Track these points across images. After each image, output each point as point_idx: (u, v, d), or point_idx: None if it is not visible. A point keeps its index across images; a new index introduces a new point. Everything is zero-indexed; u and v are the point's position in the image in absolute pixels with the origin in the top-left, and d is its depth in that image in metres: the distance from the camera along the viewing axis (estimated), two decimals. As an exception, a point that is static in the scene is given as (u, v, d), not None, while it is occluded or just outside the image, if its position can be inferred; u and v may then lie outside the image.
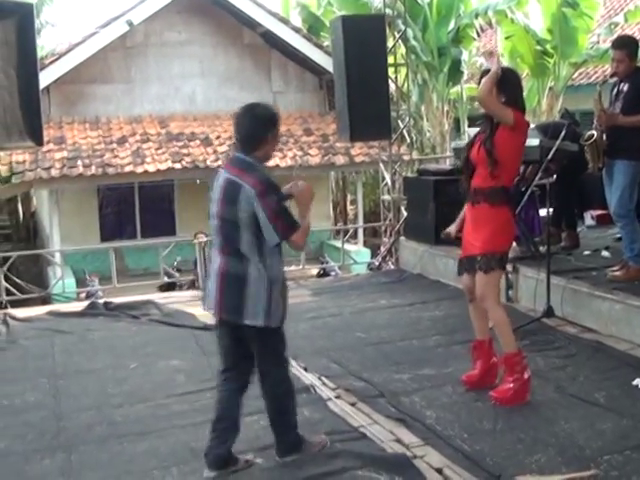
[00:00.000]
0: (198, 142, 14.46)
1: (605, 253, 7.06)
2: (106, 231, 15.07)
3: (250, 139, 3.63)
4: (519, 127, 4.43)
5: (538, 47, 15.14)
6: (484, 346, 4.73)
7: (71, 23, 45.97)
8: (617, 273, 6.01)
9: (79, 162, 13.35)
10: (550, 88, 15.71)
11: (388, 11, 9.55)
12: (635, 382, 4.64)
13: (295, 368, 5.23)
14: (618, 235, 6.69)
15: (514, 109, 4.40)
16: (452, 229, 4.92)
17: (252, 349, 3.73)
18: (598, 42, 15.47)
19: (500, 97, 4.39)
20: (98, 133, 14.34)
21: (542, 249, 6.59)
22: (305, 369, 5.19)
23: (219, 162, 13.85)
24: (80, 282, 12.69)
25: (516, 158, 4.59)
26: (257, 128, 3.63)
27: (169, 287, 10.27)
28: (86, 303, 7.86)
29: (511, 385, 4.46)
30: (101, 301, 7.78)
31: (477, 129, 4.82)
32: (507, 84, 4.45)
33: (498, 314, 4.54)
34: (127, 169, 13.51)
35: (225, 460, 3.72)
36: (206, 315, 6.93)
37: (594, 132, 5.87)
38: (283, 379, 3.81)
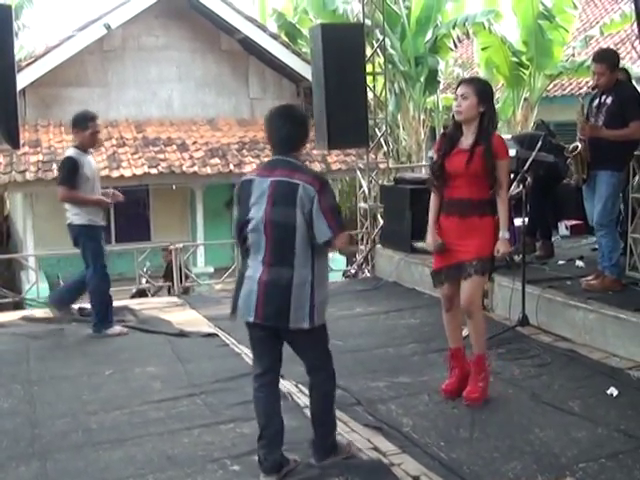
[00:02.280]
0: (174, 147, 14.42)
1: (579, 263, 7.14)
2: (80, 236, 14.91)
3: (291, 141, 3.67)
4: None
5: (514, 58, 15.34)
6: (460, 354, 4.79)
7: (48, 25, 45.64)
8: (593, 282, 6.08)
9: (54, 166, 13.21)
10: (525, 99, 15.88)
11: (367, 20, 9.59)
12: (609, 391, 4.70)
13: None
14: (595, 246, 6.77)
15: (489, 127, 4.48)
16: (438, 238, 4.69)
17: (297, 351, 3.80)
18: (573, 54, 15.70)
19: (479, 107, 4.44)
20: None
21: (517, 258, 6.65)
22: (282, 376, 5.15)
23: (195, 168, 13.82)
24: (53, 287, 12.54)
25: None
26: (295, 129, 3.67)
27: (141, 294, 10.21)
28: (60, 308, 7.77)
29: (481, 384, 4.63)
30: (75, 307, 7.71)
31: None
32: (486, 95, 4.50)
33: (481, 317, 4.67)
34: (103, 173, 13.37)
35: (281, 463, 3.74)
36: (182, 322, 6.97)
37: (578, 144, 5.93)
38: (333, 374, 3.89)
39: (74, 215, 6.43)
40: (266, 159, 4.01)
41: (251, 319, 3.66)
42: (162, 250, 11.93)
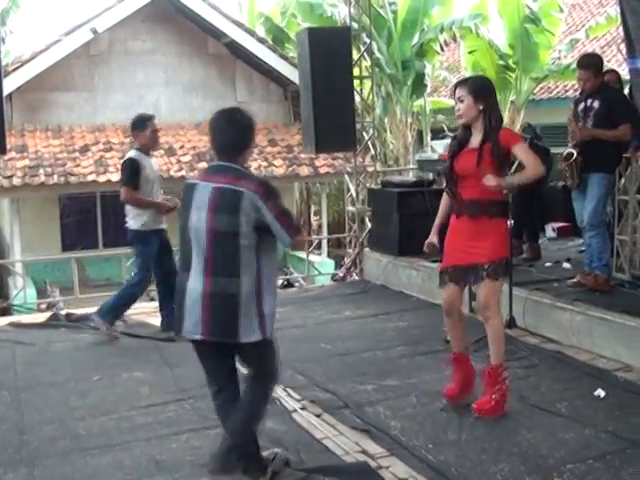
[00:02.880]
0: (162, 152, 14.36)
1: (566, 265, 7.18)
2: (67, 241, 14.90)
3: (233, 146, 3.53)
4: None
5: (500, 62, 15.39)
6: (462, 358, 4.74)
7: (35, 30, 45.48)
8: (588, 277, 6.10)
9: (41, 171, 13.21)
10: (512, 102, 15.94)
11: (353, 24, 9.61)
12: (596, 392, 4.73)
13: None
14: (582, 248, 6.81)
15: (496, 125, 4.44)
16: (434, 240, 4.77)
17: (247, 363, 3.67)
18: (559, 58, 15.77)
19: (477, 105, 4.42)
20: (60, 141, 14.19)
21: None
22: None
23: (182, 172, 13.79)
24: (41, 293, 12.53)
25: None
26: (240, 134, 3.54)
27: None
28: (48, 314, 7.76)
29: (493, 396, 4.47)
30: (63, 312, 7.69)
31: (447, 140, 4.85)
32: (483, 91, 4.49)
33: (499, 323, 4.57)
34: (89, 178, 13.39)
35: (265, 466, 3.68)
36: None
37: (573, 151, 5.97)
38: (272, 388, 3.78)
39: (130, 219, 6.46)
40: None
41: (197, 336, 3.50)
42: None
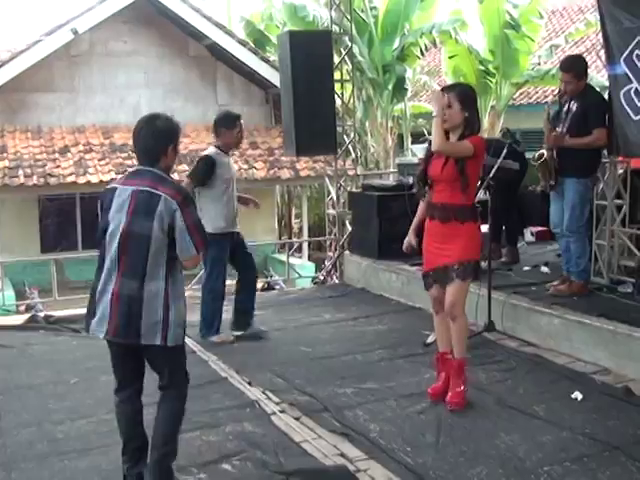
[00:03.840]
0: (142, 154, 14.32)
1: (544, 269, 7.23)
2: (47, 242, 14.81)
3: (151, 151, 3.57)
4: (480, 154, 4.56)
5: (481, 67, 15.50)
6: (447, 357, 4.78)
7: (15, 30, 45.18)
8: (561, 287, 6.16)
9: (20, 172, 13.12)
10: (492, 107, 16.05)
11: (335, 27, 9.63)
12: (574, 395, 4.76)
13: (239, 382, 5.24)
14: (559, 252, 6.85)
15: (471, 133, 4.50)
16: (412, 240, 4.94)
17: (153, 368, 3.64)
18: (539, 63, 15.91)
19: (463, 112, 4.48)
20: (40, 142, 14.12)
21: (483, 265, 6.70)
22: (249, 383, 5.18)
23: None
24: (19, 294, 12.43)
25: (478, 177, 4.74)
26: (158, 140, 3.57)
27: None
28: (26, 316, 7.71)
29: (463, 387, 4.66)
30: (41, 314, 7.64)
31: (426, 145, 4.89)
32: (469, 100, 4.56)
33: (464, 321, 4.68)
34: (69, 179, 13.33)
35: (142, 478, 3.63)
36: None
37: (544, 151, 6.02)
38: (184, 397, 3.72)
39: (206, 222, 6.11)
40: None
41: (102, 335, 3.51)
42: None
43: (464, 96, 4.55)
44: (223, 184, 6.16)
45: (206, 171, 6.08)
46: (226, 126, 6.19)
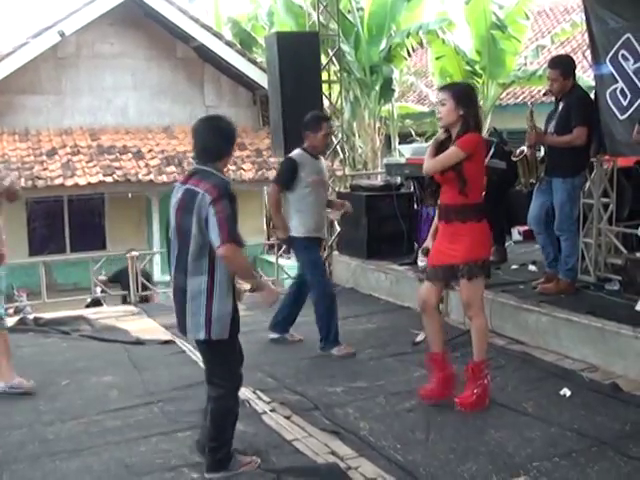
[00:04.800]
0: (130, 155, 14.31)
1: (532, 267, 7.29)
2: (35, 245, 14.76)
3: (210, 150, 3.67)
4: (475, 152, 4.51)
5: (467, 67, 15.53)
6: (439, 358, 4.78)
7: (1, 33, 44.94)
8: (548, 285, 6.20)
9: (7, 173, 13.03)
10: (479, 107, 16.09)
11: (322, 29, 9.65)
12: (562, 392, 4.81)
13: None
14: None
15: (466, 131, 4.49)
16: (429, 243, 4.97)
17: (204, 362, 3.82)
18: (525, 64, 15.96)
19: (458, 110, 4.49)
20: (27, 145, 14.06)
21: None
22: (240, 383, 5.19)
23: (151, 176, 13.75)
24: (8, 297, 12.36)
25: (480, 175, 4.65)
26: (217, 139, 3.68)
27: (96, 304, 10.11)
28: (15, 319, 7.68)
29: (475, 391, 4.60)
30: (30, 317, 7.62)
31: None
32: (465, 98, 4.56)
33: (482, 321, 4.67)
34: (57, 182, 13.27)
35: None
36: (138, 330, 6.93)
37: (524, 148, 6.06)
38: (231, 394, 3.80)
39: (296, 226, 5.94)
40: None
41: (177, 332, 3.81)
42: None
43: (459, 94, 4.55)
44: (307, 187, 5.88)
45: (287, 174, 5.88)
46: (311, 128, 5.90)
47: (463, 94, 4.59)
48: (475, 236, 4.58)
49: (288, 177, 5.87)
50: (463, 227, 4.55)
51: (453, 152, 4.47)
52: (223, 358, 3.74)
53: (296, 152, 5.99)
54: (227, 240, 3.49)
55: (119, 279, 10.25)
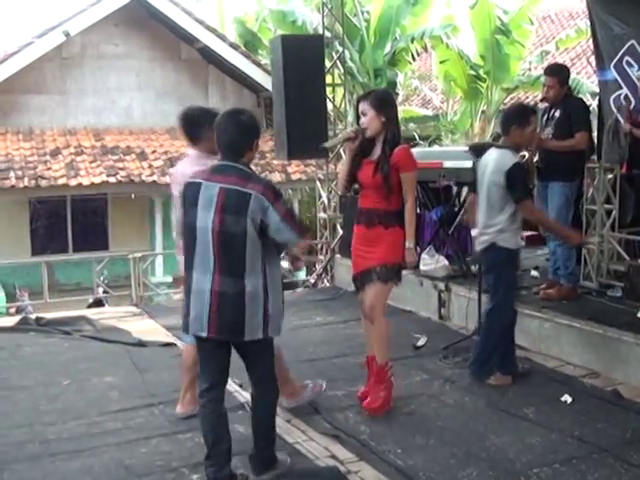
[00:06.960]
0: (134, 156, 14.32)
1: (534, 273, 7.27)
2: (37, 245, 14.76)
3: (236, 146, 3.58)
4: (409, 164, 4.57)
5: (471, 72, 15.54)
6: (373, 362, 4.80)
7: (6, 32, 45.04)
8: (550, 291, 6.20)
9: (11, 174, 13.06)
10: (482, 112, 16.10)
11: (326, 32, 9.66)
12: (563, 398, 4.80)
13: (230, 385, 5.24)
14: (547, 256, 6.90)
15: (393, 141, 4.52)
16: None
17: (248, 362, 3.71)
18: (530, 69, 15.97)
19: (380, 117, 4.51)
20: (31, 144, 14.07)
21: (473, 268, 6.74)
22: (240, 386, 5.18)
23: (154, 177, 13.75)
24: (10, 297, 12.40)
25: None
26: (243, 134, 3.59)
27: (98, 304, 10.11)
28: (17, 318, 7.69)
29: (382, 394, 4.66)
30: (32, 316, 7.63)
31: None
32: (384, 104, 4.58)
33: (383, 325, 4.69)
34: (60, 182, 13.28)
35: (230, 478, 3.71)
36: (140, 331, 6.92)
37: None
38: (277, 386, 3.84)
39: (505, 235, 4.99)
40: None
41: (204, 334, 3.55)
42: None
43: (378, 101, 4.56)
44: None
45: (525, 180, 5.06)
46: (517, 123, 4.97)
47: (381, 100, 4.60)
48: (394, 241, 4.58)
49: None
50: (385, 232, 4.57)
51: (410, 179, 4.53)
52: (271, 354, 3.74)
53: (507, 154, 4.93)
54: (302, 235, 3.60)
55: None
